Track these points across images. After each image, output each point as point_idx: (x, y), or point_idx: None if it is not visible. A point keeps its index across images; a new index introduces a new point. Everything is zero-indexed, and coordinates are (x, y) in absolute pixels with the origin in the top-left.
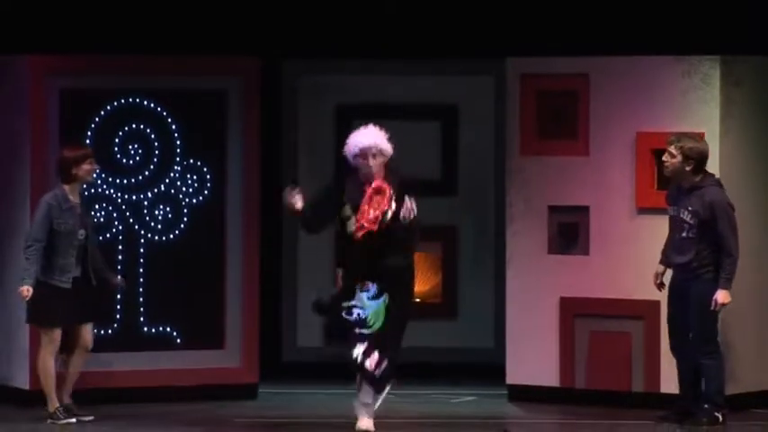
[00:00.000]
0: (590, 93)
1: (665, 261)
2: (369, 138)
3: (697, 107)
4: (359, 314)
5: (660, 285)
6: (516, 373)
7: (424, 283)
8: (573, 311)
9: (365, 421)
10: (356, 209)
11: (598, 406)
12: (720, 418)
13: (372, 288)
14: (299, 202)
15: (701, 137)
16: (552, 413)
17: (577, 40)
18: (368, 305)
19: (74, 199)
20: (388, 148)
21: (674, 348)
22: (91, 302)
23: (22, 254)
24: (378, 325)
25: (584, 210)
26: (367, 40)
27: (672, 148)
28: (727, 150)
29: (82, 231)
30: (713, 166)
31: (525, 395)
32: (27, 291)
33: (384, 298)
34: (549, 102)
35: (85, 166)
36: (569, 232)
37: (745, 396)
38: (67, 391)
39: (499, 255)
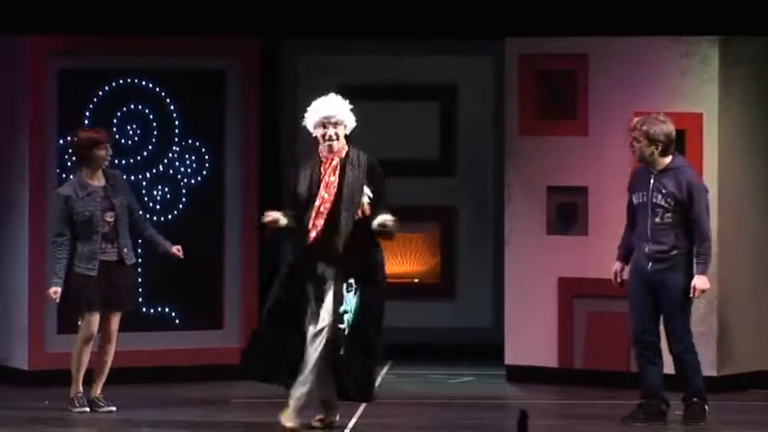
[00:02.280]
0: (589, 73)
1: (624, 256)
2: (331, 105)
3: (696, 87)
4: (348, 319)
5: (621, 284)
6: (515, 354)
7: (422, 264)
8: (571, 292)
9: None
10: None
11: (596, 386)
12: (707, 410)
13: (351, 285)
14: (281, 219)
15: (665, 116)
16: (550, 393)
17: (576, 21)
18: (351, 305)
19: (94, 183)
20: (350, 117)
21: (648, 350)
22: (122, 290)
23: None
24: (351, 320)
25: (583, 190)
26: (367, 21)
27: (635, 133)
28: (726, 130)
29: (110, 214)
30: (712, 146)
31: (523, 375)
32: (54, 293)
33: (358, 292)
34: (548, 82)
35: (99, 152)
36: (568, 212)
37: (742, 376)
38: (97, 382)
39: (498, 235)
